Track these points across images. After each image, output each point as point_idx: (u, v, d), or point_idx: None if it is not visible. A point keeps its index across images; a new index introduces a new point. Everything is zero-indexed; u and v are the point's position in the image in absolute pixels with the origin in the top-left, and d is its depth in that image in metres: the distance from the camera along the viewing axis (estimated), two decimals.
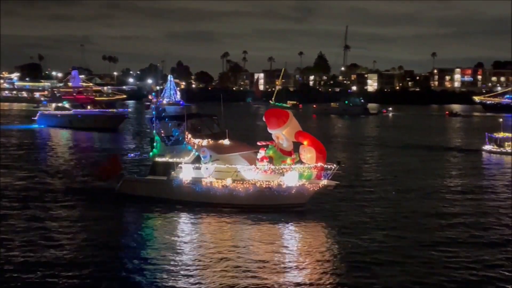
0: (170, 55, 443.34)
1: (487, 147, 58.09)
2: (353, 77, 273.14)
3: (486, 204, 34.31)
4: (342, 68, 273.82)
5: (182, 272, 22.02)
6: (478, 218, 30.73)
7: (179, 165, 33.58)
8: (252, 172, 32.00)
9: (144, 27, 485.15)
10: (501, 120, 63.68)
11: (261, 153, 32.91)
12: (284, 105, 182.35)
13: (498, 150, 56.57)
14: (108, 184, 36.02)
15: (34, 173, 45.16)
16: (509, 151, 55.38)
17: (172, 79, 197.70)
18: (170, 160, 34.03)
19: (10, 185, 39.23)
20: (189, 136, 33.94)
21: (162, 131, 35.16)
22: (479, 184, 41.10)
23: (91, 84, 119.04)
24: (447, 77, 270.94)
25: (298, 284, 20.87)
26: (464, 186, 40.13)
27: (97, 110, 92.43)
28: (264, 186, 31.48)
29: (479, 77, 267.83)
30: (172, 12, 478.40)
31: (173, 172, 33.73)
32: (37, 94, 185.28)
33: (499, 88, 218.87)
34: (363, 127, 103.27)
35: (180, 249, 25.15)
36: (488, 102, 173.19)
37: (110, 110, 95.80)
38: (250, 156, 33.55)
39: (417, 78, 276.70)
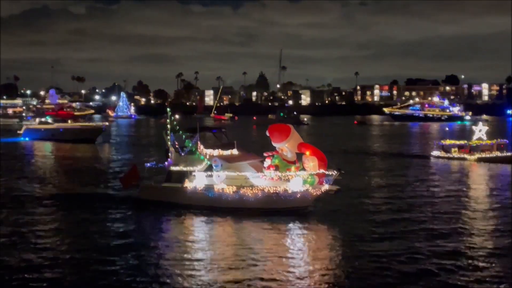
0: (131, 75, 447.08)
1: (435, 153, 58.03)
2: (289, 93, 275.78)
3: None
4: (278, 86, 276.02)
5: (190, 268, 21.27)
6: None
7: (193, 173, 32.31)
8: (260, 179, 31.00)
9: (108, 50, 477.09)
10: (447, 129, 64.27)
11: (268, 162, 31.89)
12: (223, 116, 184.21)
13: (446, 155, 56.49)
14: (127, 191, 34.75)
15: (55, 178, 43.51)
16: (456, 156, 55.51)
17: (124, 96, 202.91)
18: (185, 169, 32.69)
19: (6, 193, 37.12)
20: (202, 147, 32.82)
21: (176, 143, 33.83)
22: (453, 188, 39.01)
23: (66, 101, 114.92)
24: (368, 92, 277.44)
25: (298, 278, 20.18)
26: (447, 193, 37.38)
27: (77, 124, 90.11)
28: (271, 191, 30.53)
29: (395, 92, 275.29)
30: (133, 37, 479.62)
31: (187, 180, 32.41)
32: (10, 111, 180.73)
33: (411, 101, 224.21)
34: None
35: (192, 248, 24.50)
36: (392, 112, 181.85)
37: (89, 123, 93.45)
38: (257, 165, 32.53)
39: (343, 93, 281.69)
